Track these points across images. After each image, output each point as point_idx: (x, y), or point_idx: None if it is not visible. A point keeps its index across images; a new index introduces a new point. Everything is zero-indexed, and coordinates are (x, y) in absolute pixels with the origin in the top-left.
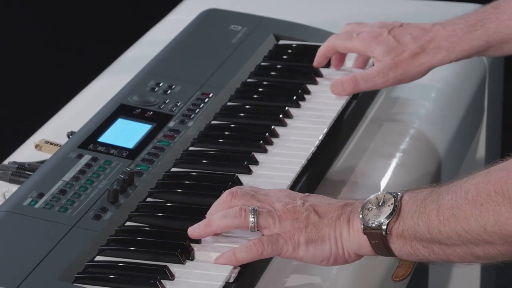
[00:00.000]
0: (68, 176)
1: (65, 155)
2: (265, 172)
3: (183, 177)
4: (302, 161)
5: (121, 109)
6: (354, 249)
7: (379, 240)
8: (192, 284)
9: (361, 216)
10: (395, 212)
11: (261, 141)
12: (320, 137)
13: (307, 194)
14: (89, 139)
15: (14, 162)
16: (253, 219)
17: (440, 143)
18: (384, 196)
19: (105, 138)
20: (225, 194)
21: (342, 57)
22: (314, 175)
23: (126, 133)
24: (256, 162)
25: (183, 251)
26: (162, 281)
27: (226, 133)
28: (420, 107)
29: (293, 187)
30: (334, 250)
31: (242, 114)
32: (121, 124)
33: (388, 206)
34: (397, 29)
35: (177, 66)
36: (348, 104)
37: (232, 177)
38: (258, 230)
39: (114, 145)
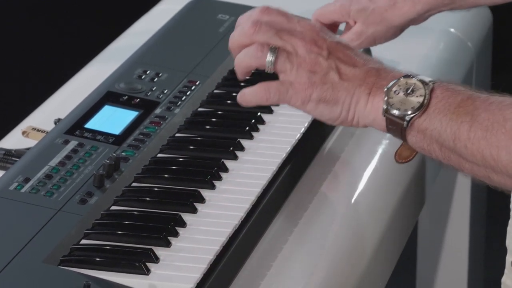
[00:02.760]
0: (54, 162)
1: (52, 141)
2: (251, 158)
3: (169, 163)
4: (288, 147)
5: (108, 96)
6: (365, 121)
7: (397, 127)
8: (177, 266)
9: (385, 98)
10: (423, 107)
11: (247, 128)
12: (306, 124)
13: (336, 41)
14: (76, 125)
15: (1, 149)
16: (271, 58)
17: None
18: (415, 83)
19: (91, 124)
20: (248, 25)
21: None
22: (300, 161)
23: (113, 120)
24: (242, 148)
25: (168, 234)
26: (147, 263)
27: (213, 119)
28: None
29: (278, 172)
30: (344, 115)
31: (229, 102)
32: (108, 110)
33: (417, 96)
34: None
35: (165, 54)
36: None
37: (218, 162)
38: (274, 72)
39: (100, 131)
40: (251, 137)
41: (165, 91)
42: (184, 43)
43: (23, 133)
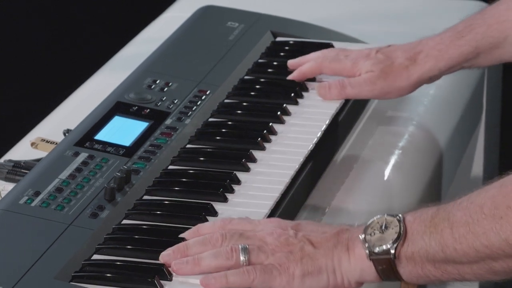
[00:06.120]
0: (64, 174)
1: (62, 153)
2: (263, 169)
3: (181, 175)
4: (300, 158)
5: (117, 107)
6: (355, 277)
7: (386, 266)
8: (190, 284)
9: (365, 243)
10: (402, 235)
11: (259, 139)
12: (319, 134)
13: (297, 222)
14: (86, 137)
15: (10, 160)
16: (243, 258)
17: (439, 141)
18: (386, 219)
19: (101, 135)
20: (216, 237)
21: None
22: (312, 173)
23: (123, 131)
24: (254, 160)
25: None
26: (160, 280)
27: (224, 130)
28: (419, 104)
29: (291, 184)
30: (332, 280)
31: (239, 111)
32: (117, 121)
33: (393, 228)
34: (385, 48)
35: (174, 63)
36: (346, 101)
37: (230, 175)
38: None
39: (110, 143)
40: (263, 148)
41: (175, 101)
42: (193, 51)
43: (32, 144)
